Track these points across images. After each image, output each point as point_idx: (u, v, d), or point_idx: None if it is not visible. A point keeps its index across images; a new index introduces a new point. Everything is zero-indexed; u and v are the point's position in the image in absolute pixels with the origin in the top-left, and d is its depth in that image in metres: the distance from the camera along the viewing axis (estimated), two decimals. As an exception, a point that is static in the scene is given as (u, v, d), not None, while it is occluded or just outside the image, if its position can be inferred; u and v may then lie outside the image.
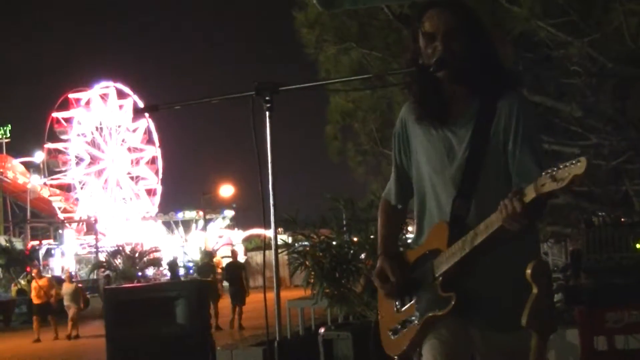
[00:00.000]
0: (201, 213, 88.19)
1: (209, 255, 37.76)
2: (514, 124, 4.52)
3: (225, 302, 30.67)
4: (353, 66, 13.37)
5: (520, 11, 11.78)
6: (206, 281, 22.07)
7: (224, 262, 35.59)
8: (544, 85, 12.90)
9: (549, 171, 3.75)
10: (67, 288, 30.01)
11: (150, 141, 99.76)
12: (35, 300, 29.92)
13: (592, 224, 7.83)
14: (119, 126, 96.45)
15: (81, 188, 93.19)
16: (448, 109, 4.75)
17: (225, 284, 32.58)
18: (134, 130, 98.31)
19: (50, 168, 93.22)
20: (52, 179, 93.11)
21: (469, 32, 4.68)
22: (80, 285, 50.57)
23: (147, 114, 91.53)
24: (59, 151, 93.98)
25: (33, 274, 33.09)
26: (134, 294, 11.34)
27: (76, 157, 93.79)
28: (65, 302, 29.42)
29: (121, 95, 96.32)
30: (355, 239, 12.71)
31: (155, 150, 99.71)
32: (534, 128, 4.70)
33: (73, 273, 65.23)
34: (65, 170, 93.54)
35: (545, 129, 12.94)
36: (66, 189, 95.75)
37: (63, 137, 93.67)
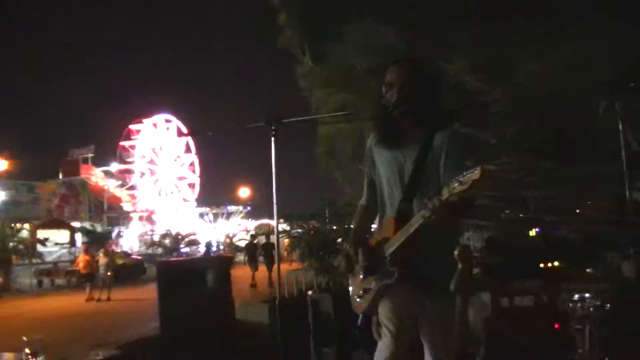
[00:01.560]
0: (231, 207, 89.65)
1: (252, 237, 37.85)
2: (445, 150, 4.62)
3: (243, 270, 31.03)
4: (336, 104, 13.39)
5: (453, 66, 11.87)
6: (227, 257, 21.94)
7: (261, 241, 35.99)
8: (470, 120, 12.96)
9: (458, 178, 3.91)
10: (102, 260, 29.65)
11: (188, 150, 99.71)
12: (82, 270, 29.77)
13: (499, 218, 7.89)
14: (167, 145, 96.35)
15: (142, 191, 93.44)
16: (401, 137, 4.82)
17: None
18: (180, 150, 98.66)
19: (121, 179, 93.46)
20: (122, 186, 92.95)
21: (418, 82, 4.78)
22: (139, 257, 50.52)
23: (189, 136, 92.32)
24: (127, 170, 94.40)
25: (106, 249, 32.75)
26: (178, 265, 11.40)
27: (140, 171, 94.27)
28: (101, 271, 29.25)
29: (167, 120, 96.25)
30: (335, 228, 12.85)
31: (192, 157, 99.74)
32: (461, 154, 4.75)
33: (133, 250, 65.31)
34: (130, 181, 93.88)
35: (471, 151, 12.97)
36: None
37: (128, 159, 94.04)
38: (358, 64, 11.55)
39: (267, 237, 34.47)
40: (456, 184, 4.01)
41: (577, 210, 14.85)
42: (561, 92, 11.60)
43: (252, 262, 32.68)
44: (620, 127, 4.69)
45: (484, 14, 5.58)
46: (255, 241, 36.64)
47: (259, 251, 34.02)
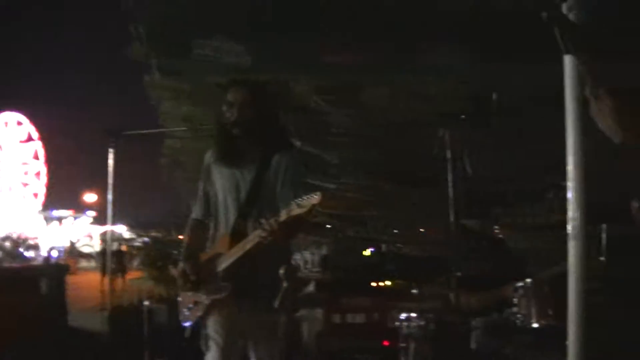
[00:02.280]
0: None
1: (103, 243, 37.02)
2: (282, 171, 4.71)
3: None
4: (183, 117, 13.28)
5: (300, 87, 11.99)
6: (64, 264, 21.29)
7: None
8: (314, 139, 13.12)
9: (297, 201, 4.02)
10: None
11: (36, 157, 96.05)
12: None
13: (336, 237, 8.05)
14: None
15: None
16: (239, 156, 4.88)
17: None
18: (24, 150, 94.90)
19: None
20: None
21: (259, 103, 4.83)
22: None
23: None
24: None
25: None
26: (9, 271, 11.15)
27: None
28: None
29: (18, 122, 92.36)
30: (180, 238, 12.75)
31: (39, 164, 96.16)
32: (298, 174, 4.88)
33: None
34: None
35: (313, 171, 13.17)
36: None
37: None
38: (207, 79, 11.53)
39: (119, 244, 33.88)
40: (295, 207, 4.13)
41: (412, 232, 15.25)
42: (404, 118, 11.92)
43: (104, 269, 32.02)
44: (449, 156, 4.92)
45: (332, 37, 5.71)
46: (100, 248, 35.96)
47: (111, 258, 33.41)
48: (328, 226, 15.12)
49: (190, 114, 13.27)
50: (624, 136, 3.34)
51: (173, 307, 8.35)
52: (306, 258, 10.66)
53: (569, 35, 3.16)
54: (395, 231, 15.86)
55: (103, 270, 31.71)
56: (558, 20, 3.17)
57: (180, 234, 13.02)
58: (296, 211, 4.14)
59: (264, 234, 4.32)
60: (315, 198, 4.05)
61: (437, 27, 5.69)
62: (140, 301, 12.54)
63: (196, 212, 5.25)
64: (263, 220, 4.34)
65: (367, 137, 12.82)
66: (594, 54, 3.29)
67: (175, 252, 12.00)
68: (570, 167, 3.84)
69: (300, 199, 4.12)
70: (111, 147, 4.96)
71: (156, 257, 11.92)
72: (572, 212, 3.84)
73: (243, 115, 4.80)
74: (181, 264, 5.01)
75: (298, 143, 12.11)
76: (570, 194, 3.87)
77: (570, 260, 3.83)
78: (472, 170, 11.55)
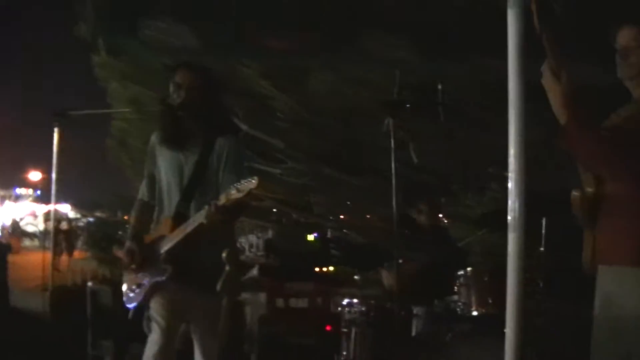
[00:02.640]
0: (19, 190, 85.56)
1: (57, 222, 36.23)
2: (225, 155, 4.72)
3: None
4: (130, 98, 13.18)
5: (248, 71, 11.97)
6: (5, 244, 21.04)
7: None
8: (261, 124, 13.11)
9: (236, 185, 4.05)
10: None
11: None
12: None
13: (281, 221, 8.06)
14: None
15: None
16: (183, 139, 4.86)
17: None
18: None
19: None
20: None
21: (206, 87, 4.83)
22: None
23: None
24: None
25: None
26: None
27: None
28: None
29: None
30: (125, 218, 12.66)
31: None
32: (240, 160, 4.89)
33: None
34: None
35: (259, 154, 13.16)
36: None
37: None
38: (154, 60, 11.44)
39: (69, 223, 33.26)
40: (234, 191, 4.17)
41: (357, 218, 15.28)
42: (350, 105, 11.95)
43: (57, 247, 31.48)
44: (393, 144, 4.93)
45: (280, 22, 5.69)
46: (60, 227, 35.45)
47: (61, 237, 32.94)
48: (274, 210, 15.13)
49: (137, 95, 13.17)
50: (566, 118, 3.41)
51: (117, 288, 8.31)
52: (251, 241, 10.65)
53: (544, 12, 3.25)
54: (341, 217, 15.91)
55: (47, 250, 31.24)
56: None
57: (126, 215, 12.92)
58: (235, 195, 4.22)
59: (204, 218, 4.35)
60: (252, 182, 4.14)
61: (382, 15, 5.71)
62: (84, 282, 12.44)
63: (142, 193, 5.26)
64: (205, 206, 4.35)
65: (312, 123, 12.85)
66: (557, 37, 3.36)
67: (120, 233, 11.88)
68: (511, 158, 3.86)
69: (238, 184, 4.17)
70: (56, 126, 4.89)
71: (100, 238, 11.77)
72: (511, 202, 3.86)
73: (190, 98, 4.79)
74: (126, 245, 5.00)
75: (244, 127, 12.10)
76: (510, 185, 3.90)
77: (510, 251, 3.85)
78: (417, 159, 11.63)
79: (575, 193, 3.71)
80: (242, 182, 4.18)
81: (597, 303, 3.69)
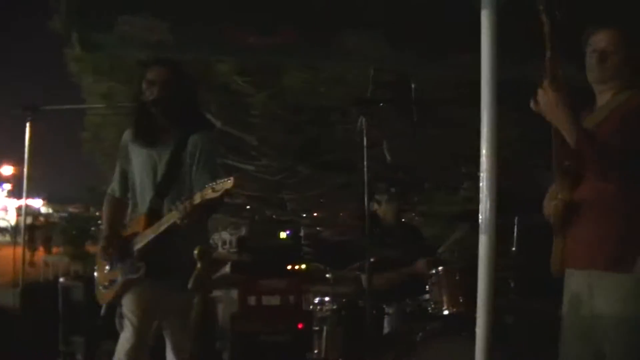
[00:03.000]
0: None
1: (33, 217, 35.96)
2: (198, 152, 4.71)
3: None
4: (104, 93, 13.11)
5: (223, 67, 11.95)
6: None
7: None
8: (235, 121, 13.10)
9: (212, 184, 4.05)
10: None
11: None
12: None
13: (253, 218, 8.05)
14: None
15: None
16: (156, 135, 4.85)
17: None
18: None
19: None
20: None
21: (179, 83, 4.81)
22: None
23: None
24: None
25: None
26: None
27: None
28: None
29: None
30: (97, 214, 12.59)
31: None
32: (213, 157, 4.90)
33: None
34: None
35: (233, 151, 13.16)
36: None
37: None
38: (129, 56, 11.38)
39: (46, 218, 33.08)
40: (209, 191, 4.18)
41: (330, 216, 15.31)
42: (325, 102, 11.96)
43: (31, 243, 31.19)
44: (365, 142, 4.94)
45: (255, 18, 5.68)
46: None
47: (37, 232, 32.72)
48: (248, 207, 15.13)
49: (111, 90, 13.10)
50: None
51: (89, 284, 8.25)
52: (224, 238, 10.62)
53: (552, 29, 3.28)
54: (314, 214, 15.94)
55: (18, 245, 31.00)
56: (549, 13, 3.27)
57: (98, 210, 12.83)
58: (210, 195, 4.21)
59: (178, 217, 4.34)
60: (228, 183, 4.13)
61: (357, 12, 5.70)
62: (56, 277, 12.35)
63: (112, 189, 5.25)
64: (178, 203, 4.34)
65: (286, 120, 12.86)
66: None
67: (93, 228, 11.82)
68: (483, 158, 3.88)
69: (214, 183, 4.18)
70: (28, 121, 4.87)
71: (73, 233, 11.70)
72: (482, 201, 3.89)
73: (162, 94, 4.77)
74: (100, 241, 5.00)
75: (218, 123, 12.08)
76: (482, 184, 3.92)
77: (481, 250, 3.88)
78: (391, 157, 11.68)
79: (549, 201, 3.75)
80: (218, 181, 4.17)
81: (565, 305, 3.75)
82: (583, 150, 3.41)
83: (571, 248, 3.67)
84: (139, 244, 4.71)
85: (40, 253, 29.11)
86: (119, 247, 4.89)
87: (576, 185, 3.61)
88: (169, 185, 4.77)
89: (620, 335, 3.43)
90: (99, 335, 8.17)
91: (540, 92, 3.50)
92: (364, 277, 6.13)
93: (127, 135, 5.10)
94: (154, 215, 4.71)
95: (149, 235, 4.65)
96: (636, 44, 3.63)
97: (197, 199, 4.26)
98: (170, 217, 4.47)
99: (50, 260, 15.11)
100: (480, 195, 3.87)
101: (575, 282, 3.68)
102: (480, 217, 3.86)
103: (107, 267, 4.96)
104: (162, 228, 4.55)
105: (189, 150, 4.77)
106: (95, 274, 5.15)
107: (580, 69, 3.79)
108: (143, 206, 4.86)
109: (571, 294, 3.70)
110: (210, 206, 4.41)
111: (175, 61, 5.19)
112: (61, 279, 8.97)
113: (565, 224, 3.65)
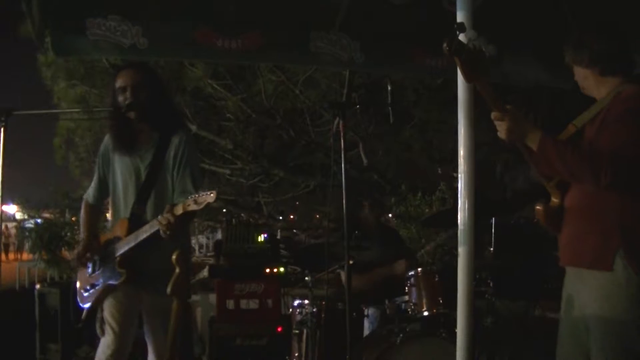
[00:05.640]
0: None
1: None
2: (179, 155, 4.71)
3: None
4: (77, 98, 13.03)
5: (196, 72, 11.93)
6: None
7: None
8: (209, 125, 13.09)
9: (194, 196, 4.10)
10: None
11: None
12: None
13: (230, 222, 8.00)
14: None
15: None
16: (135, 140, 4.84)
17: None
18: None
19: None
20: None
21: (151, 86, 4.80)
22: None
23: None
24: None
25: None
26: None
27: None
28: None
29: None
30: (73, 219, 12.50)
31: None
32: (194, 158, 4.88)
33: None
34: None
35: (208, 155, 13.15)
36: None
37: None
38: (102, 60, 11.34)
39: (10, 224, 32.65)
40: (191, 202, 4.20)
41: (306, 219, 15.35)
42: (300, 105, 11.99)
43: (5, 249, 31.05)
44: (342, 144, 4.93)
45: (229, 22, 5.68)
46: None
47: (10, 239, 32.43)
48: (224, 210, 15.11)
49: (84, 95, 13.03)
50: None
51: (65, 290, 8.20)
52: (201, 242, 10.60)
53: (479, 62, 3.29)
54: (290, 217, 15.97)
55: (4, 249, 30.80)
56: (461, 49, 3.28)
57: (74, 216, 12.74)
58: (192, 207, 4.22)
59: (161, 229, 4.35)
60: (211, 196, 4.15)
61: (329, 15, 5.71)
62: (32, 284, 12.25)
63: (87, 194, 5.27)
64: (160, 217, 4.35)
65: (260, 124, 12.88)
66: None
67: (68, 234, 11.71)
68: (461, 159, 3.90)
69: (197, 195, 4.22)
70: (1, 125, 4.84)
71: (48, 239, 11.56)
72: (460, 203, 3.91)
73: (137, 97, 4.77)
74: (81, 243, 5.01)
75: (193, 128, 12.07)
76: (459, 185, 3.95)
77: (460, 262, 3.91)
78: (367, 160, 11.72)
79: (538, 207, 3.82)
80: (201, 194, 4.18)
81: (563, 303, 3.82)
82: (547, 155, 3.49)
83: (561, 247, 3.80)
84: (120, 250, 4.71)
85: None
86: (98, 251, 4.90)
87: (564, 190, 3.75)
88: (150, 188, 4.77)
89: (600, 333, 3.48)
90: (76, 342, 8.13)
91: (497, 125, 3.57)
92: (343, 279, 6.15)
93: (106, 141, 5.08)
94: (136, 220, 4.71)
95: (131, 241, 4.64)
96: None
97: (179, 210, 4.26)
98: (153, 226, 4.46)
99: (24, 267, 14.98)
100: (459, 194, 3.89)
101: (569, 280, 3.81)
102: (459, 227, 3.88)
103: (88, 271, 4.96)
104: (144, 236, 4.55)
105: (169, 154, 4.75)
106: (77, 276, 5.16)
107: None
108: (126, 210, 4.85)
109: (566, 292, 3.83)
110: (190, 216, 4.42)
111: (144, 63, 5.21)
112: (37, 286, 8.91)
113: (559, 224, 3.78)
